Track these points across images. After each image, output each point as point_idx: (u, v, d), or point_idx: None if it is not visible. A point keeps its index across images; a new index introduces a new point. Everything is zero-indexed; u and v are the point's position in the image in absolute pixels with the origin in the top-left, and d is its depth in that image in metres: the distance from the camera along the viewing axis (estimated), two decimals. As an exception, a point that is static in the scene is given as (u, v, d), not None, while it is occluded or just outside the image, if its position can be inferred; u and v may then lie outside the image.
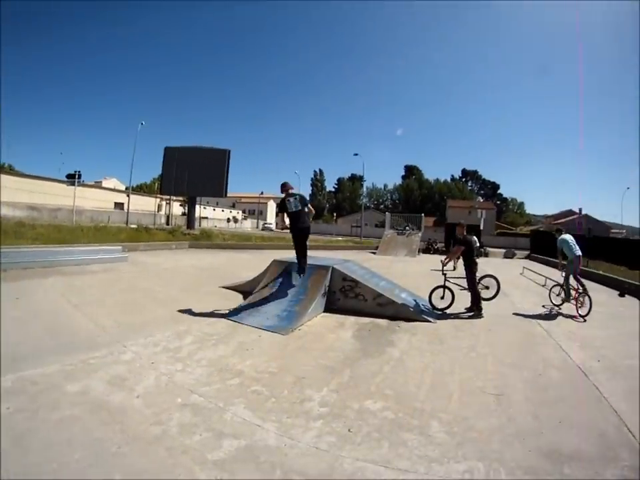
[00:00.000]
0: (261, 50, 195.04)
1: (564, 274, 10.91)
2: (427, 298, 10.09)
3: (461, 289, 9.89)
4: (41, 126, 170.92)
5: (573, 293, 10.48)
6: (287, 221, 9.33)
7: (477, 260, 10.09)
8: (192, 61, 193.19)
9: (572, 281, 10.60)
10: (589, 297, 10.01)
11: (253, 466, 3.54)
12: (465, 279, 9.83)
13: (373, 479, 3.43)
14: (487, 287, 10.27)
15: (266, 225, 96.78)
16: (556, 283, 11.54)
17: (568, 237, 10.92)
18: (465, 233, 10.27)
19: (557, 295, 11.13)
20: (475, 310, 9.60)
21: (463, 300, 9.92)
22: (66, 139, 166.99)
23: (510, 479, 3.52)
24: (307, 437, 4.00)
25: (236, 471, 3.47)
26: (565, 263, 10.95)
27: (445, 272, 10.10)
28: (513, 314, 9.99)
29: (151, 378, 5.40)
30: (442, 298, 9.97)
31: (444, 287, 10.07)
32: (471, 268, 9.87)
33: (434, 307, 9.86)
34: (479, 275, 10.11)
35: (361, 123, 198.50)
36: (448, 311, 9.76)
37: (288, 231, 9.48)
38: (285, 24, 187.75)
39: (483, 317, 9.40)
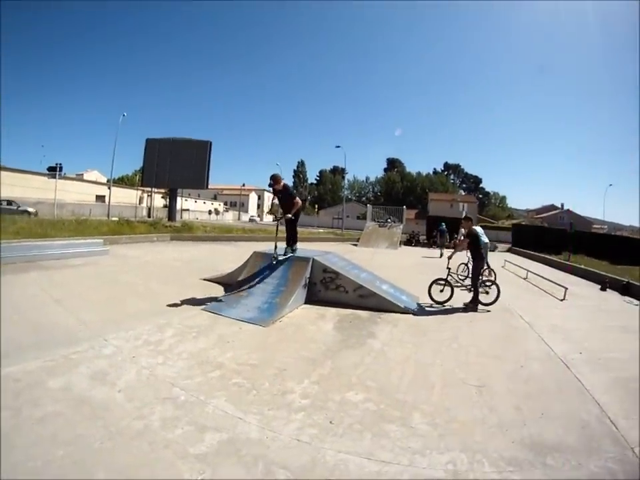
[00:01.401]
0: (244, 40, 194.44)
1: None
2: (427, 290, 10.09)
3: (462, 289, 10.16)
4: (21, 118, 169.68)
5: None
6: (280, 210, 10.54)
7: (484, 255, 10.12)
8: (173, 51, 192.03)
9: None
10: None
11: (235, 459, 3.54)
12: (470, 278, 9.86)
13: (355, 471, 3.42)
14: (487, 292, 10.25)
15: (252, 218, 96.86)
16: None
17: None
18: (471, 227, 10.23)
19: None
20: (471, 306, 9.53)
21: (460, 295, 10.00)
22: (47, 132, 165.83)
23: (493, 470, 3.52)
24: (289, 430, 3.99)
25: (218, 465, 3.46)
26: None
27: (449, 266, 10.30)
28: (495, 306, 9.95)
29: (132, 372, 5.36)
30: (441, 291, 10.03)
31: (445, 280, 10.13)
32: (477, 262, 9.89)
33: (433, 300, 9.91)
34: (481, 278, 10.07)
35: (343, 115, 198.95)
36: (435, 305, 9.77)
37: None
38: (274, 14, 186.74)
39: (476, 310, 9.40)
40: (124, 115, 49.53)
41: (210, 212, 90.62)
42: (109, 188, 50.08)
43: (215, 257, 18.22)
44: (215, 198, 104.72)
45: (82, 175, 76.96)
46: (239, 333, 7.18)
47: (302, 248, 11.61)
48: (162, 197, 73.07)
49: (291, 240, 10.52)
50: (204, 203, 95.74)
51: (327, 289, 9.60)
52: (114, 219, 34.23)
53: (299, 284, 9.18)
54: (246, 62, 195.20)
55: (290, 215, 9.69)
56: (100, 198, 61.83)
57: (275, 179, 9.75)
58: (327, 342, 6.84)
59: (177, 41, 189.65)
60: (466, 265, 12.70)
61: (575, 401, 4.97)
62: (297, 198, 9.91)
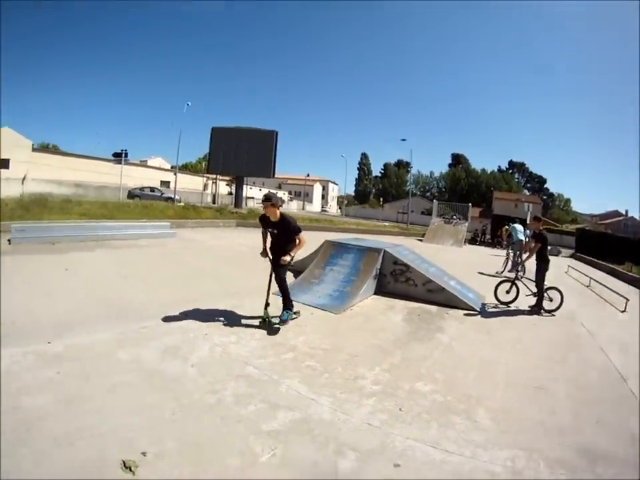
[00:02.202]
0: (314, 32, 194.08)
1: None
2: (493, 291, 10.05)
3: (527, 295, 9.77)
4: (87, 107, 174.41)
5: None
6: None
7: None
8: (237, 43, 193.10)
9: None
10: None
11: (308, 438, 3.71)
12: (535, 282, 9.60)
13: (421, 458, 3.55)
14: (551, 299, 9.94)
15: (324, 209, 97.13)
16: None
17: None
18: (541, 228, 10.01)
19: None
20: (535, 310, 9.44)
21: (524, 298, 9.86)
22: (113, 120, 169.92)
23: (547, 471, 3.62)
24: (360, 413, 4.17)
25: (290, 442, 3.62)
26: None
27: (519, 269, 10.32)
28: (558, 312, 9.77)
29: (205, 349, 5.66)
30: (507, 292, 9.96)
31: (512, 282, 10.04)
32: (542, 266, 9.61)
33: (498, 300, 9.89)
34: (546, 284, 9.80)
35: (408, 108, 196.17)
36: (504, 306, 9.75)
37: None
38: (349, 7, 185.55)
39: (542, 315, 9.31)
40: (188, 104, 50.48)
41: None
42: (175, 174, 50.82)
43: None
44: (279, 187, 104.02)
45: (146, 161, 78.30)
46: (310, 318, 7.47)
47: (371, 239, 11.67)
48: (226, 185, 73.69)
49: (287, 299, 7.24)
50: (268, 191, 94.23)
51: (396, 281, 9.67)
52: (180, 203, 34.92)
53: (370, 274, 9.30)
54: (313, 53, 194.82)
55: (289, 258, 6.89)
56: (164, 183, 63.02)
57: (269, 201, 6.98)
58: (397, 333, 7.02)
59: (244, 30, 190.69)
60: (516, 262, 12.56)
61: (629, 413, 4.95)
62: (303, 234, 7.12)
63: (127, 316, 6.77)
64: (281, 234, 7.14)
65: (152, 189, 44.41)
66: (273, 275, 7.28)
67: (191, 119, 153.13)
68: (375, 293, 9.39)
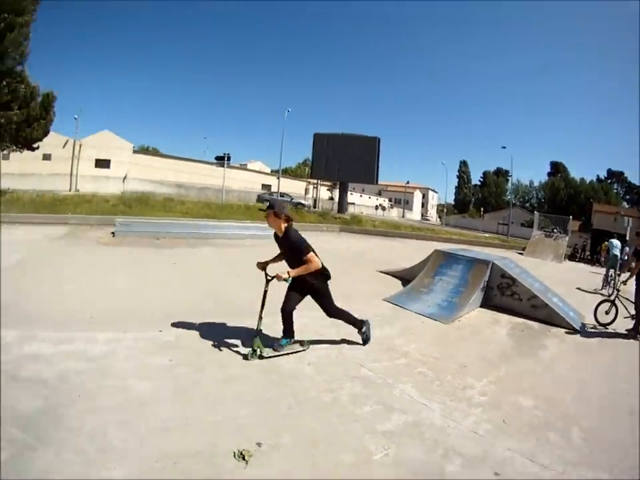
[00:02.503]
0: (422, 41, 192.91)
1: None
2: (592, 311, 9.77)
3: (625, 317, 9.31)
4: (190, 112, 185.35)
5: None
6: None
7: None
8: (338, 51, 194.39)
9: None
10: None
11: (419, 441, 3.92)
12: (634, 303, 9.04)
13: (519, 469, 3.70)
14: None
15: (426, 217, 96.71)
16: None
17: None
18: None
19: None
20: (632, 334, 8.93)
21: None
22: (211, 125, 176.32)
23: None
24: (468, 422, 4.39)
25: (402, 444, 3.83)
26: None
27: (619, 288, 9.85)
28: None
29: (321, 348, 6.02)
30: (607, 313, 9.62)
31: (612, 302, 9.73)
32: None
33: (597, 321, 9.60)
34: None
35: (506, 113, 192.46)
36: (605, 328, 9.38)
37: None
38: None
39: (638, 339, 8.75)
40: (289, 111, 51.90)
41: (377, 207, 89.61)
42: (278, 178, 52.24)
43: (385, 251, 18.62)
44: (379, 194, 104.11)
45: (245, 164, 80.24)
46: (420, 326, 7.70)
47: (476, 250, 11.83)
48: (327, 190, 74.58)
49: (289, 326, 5.99)
50: (369, 197, 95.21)
51: (502, 294, 9.67)
52: (313, 209, 35.92)
53: (478, 287, 9.37)
54: (408, 58, 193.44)
55: (285, 275, 5.51)
56: (266, 187, 64.66)
57: (272, 208, 5.76)
58: (502, 347, 7.16)
59: (347, 38, 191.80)
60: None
61: None
62: (313, 254, 5.70)
63: (238, 312, 7.30)
64: (287, 253, 6.01)
65: (282, 194, 45.97)
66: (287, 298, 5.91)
67: (289, 124, 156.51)
68: (481, 306, 9.46)
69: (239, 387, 4.65)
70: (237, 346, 5.86)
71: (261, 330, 5.64)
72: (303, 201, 47.21)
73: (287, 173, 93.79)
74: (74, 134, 50.16)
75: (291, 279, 5.53)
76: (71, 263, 10.76)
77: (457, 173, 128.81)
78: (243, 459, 3.39)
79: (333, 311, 6.16)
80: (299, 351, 5.90)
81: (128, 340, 5.69)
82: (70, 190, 43.26)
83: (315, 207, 49.62)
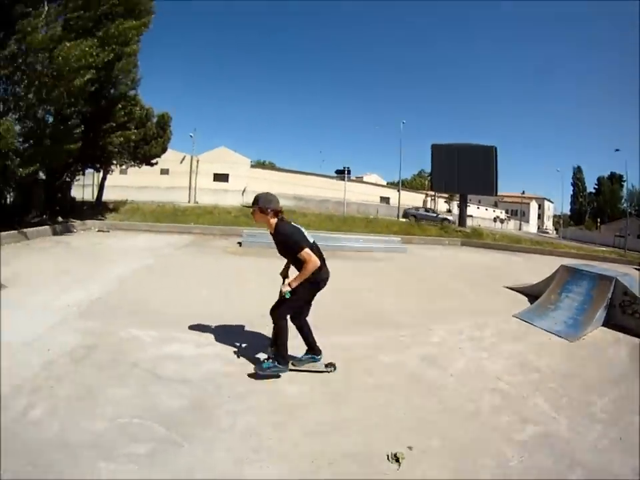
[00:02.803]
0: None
1: None
2: None
3: None
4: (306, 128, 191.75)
5: None
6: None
7: None
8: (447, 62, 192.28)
9: None
10: None
11: (548, 451, 4.07)
12: None
13: None
14: None
15: (545, 230, 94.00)
16: None
17: None
18: None
19: None
20: None
21: None
22: (325, 139, 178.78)
23: None
24: (591, 436, 4.52)
25: (534, 452, 4.01)
26: None
27: None
28: None
29: (461, 361, 6.29)
30: None
31: None
32: None
33: None
34: None
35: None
36: None
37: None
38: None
39: None
40: (404, 123, 53.36)
41: (495, 219, 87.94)
42: (398, 190, 52.64)
43: (508, 266, 18.37)
44: (495, 205, 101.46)
45: (362, 177, 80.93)
46: (548, 343, 7.73)
47: (596, 265, 11.84)
48: (445, 202, 74.03)
49: (311, 341, 5.55)
50: (486, 209, 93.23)
51: (623, 312, 9.19)
52: (402, 219, 36.09)
53: (601, 304, 9.08)
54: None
55: (287, 288, 4.95)
56: (384, 199, 65.09)
57: (256, 204, 5.10)
58: (623, 368, 7.02)
59: (461, 51, 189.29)
60: None
61: None
62: (307, 250, 4.92)
63: (381, 323, 7.72)
64: (282, 253, 5.38)
65: (426, 210, 46.75)
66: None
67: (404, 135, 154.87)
68: (602, 324, 9.12)
69: (389, 394, 5.00)
70: (378, 356, 6.23)
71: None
72: (449, 217, 47.14)
73: (404, 184, 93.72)
74: (191, 150, 55.59)
75: (288, 292, 4.94)
76: (203, 269, 11.89)
77: (572, 181, 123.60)
78: (397, 461, 3.63)
79: (278, 313, 5.16)
80: (322, 371, 5.50)
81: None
82: (189, 202, 47.08)
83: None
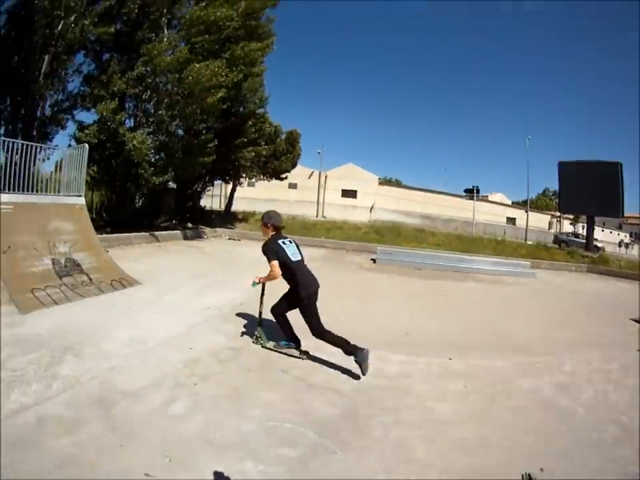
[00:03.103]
0: None
1: None
2: None
3: None
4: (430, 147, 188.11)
5: None
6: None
7: None
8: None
9: None
10: None
11: None
12: None
13: None
14: None
15: None
16: None
17: None
18: None
19: None
20: None
21: None
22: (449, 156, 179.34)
23: None
24: None
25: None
26: None
27: None
28: None
29: (590, 392, 6.08)
30: None
31: None
32: None
33: None
34: None
35: None
36: None
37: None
38: None
39: None
40: (529, 139, 52.21)
41: (620, 244, 79.19)
42: (527, 212, 51.27)
43: (634, 296, 16.86)
44: (619, 227, 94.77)
45: (487, 196, 79.60)
46: None
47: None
48: (570, 223, 71.55)
49: (286, 330, 6.47)
50: (610, 232, 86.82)
51: None
52: (529, 242, 35.31)
53: None
54: None
55: (257, 280, 6.36)
56: (510, 220, 63.84)
57: (263, 220, 6.46)
58: None
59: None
60: None
61: None
62: (274, 263, 5.88)
63: (516, 348, 7.73)
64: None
65: (575, 235, 45.27)
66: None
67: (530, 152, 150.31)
68: None
69: (523, 418, 5.08)
70: (516, 380, 6.29)
71: (260, 322, 6.72)
72: (597, 244, 44.24)
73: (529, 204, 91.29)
74: (318, 166, 57.46)
75: (254, 283, 6.39)
76: (344, 284, 12.38)
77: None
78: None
79: (315, 330, 6.04)
80: (295, 357, 6.27)
81: (421, 363, 6.49)
82: (317, 216, 48.35)
83: (554, 243, 45.91)
